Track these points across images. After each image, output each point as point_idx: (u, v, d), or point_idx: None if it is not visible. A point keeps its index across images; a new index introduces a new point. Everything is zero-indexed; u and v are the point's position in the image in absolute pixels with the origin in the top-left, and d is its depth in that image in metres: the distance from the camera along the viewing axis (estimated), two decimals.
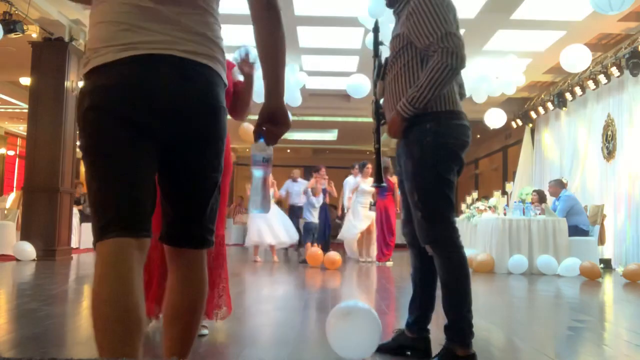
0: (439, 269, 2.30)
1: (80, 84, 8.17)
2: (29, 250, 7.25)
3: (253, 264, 8.04)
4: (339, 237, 8.79)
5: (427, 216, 2.28)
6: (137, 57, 1.36)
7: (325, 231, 9.58)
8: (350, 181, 9.23)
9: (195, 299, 1.50)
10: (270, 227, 8.41)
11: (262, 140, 1.52)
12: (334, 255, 7.33)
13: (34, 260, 7.25)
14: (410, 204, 2.37)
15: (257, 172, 1.56)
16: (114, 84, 1.35)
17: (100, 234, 1.32)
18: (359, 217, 8.64)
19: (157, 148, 1.39)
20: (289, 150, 19.87)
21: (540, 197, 8.28)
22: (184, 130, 1.40)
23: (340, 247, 9.60)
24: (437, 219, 2.28)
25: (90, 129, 1.37)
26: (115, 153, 1.35)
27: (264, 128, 1.51)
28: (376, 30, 2.66)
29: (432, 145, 2.25)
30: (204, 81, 1.42)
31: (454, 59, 2.14)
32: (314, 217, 8.85)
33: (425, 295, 2.51)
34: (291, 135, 17.17)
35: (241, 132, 9.68)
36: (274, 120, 1.50)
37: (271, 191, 8.51)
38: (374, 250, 8.63)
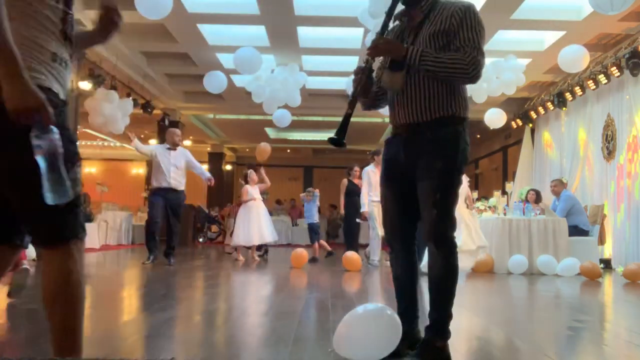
0: (440, 267, 2.33)
1: (81, 84, 8.20)
2: (29, 250, 7.24)
3: (239, 263, 8.05)
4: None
5: (443, 215, 2.31)
6: None
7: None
8: (370, 173, 7.88)
9: (51, 293, 1.65)
10: (255, 228, 8.42)
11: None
12: (352, 255, 7.22)
13: (34, 260, 7.24)
14: (422, 202, 2.35)
15: (41, 161, 1.54)
16: None
17: None
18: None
19: None
20: (289, 150, 19.87)
21: (537, 196, 8.28)
22: None
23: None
24: (449, 218, 2.34)
25: None
26: None
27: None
28: None
29: (462, 149, 2.33)
30: None
31: (475, 72, 2.24)
32: (315, 217, 8.90)
33: (414, 297, 2.53)
34: (291, 135, 17.17)
35: (257, 152, 9.30)
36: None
37: (256, 190, 8.55)
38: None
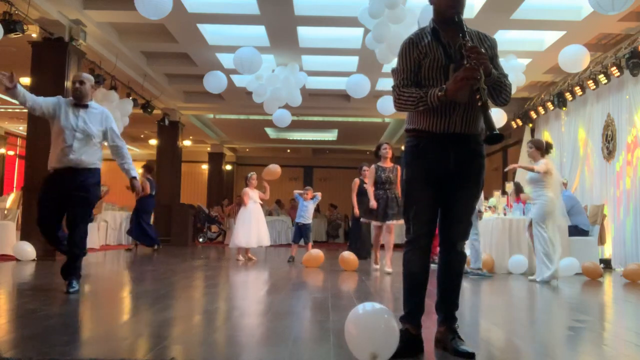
0: (460, 263, 2.66)
1: None
2: (29, 250, 7.25)
3: (238, 264, 8.04)
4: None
5: (470, 218, 2.69)
6: None
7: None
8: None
9: None
10: (255, 230, 8.56)
11: None
12: (348, 255, 7.20)
13: (34, 260, 7.25)
14: (460, 207, 2.60)
15: None
16: None
17: None
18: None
19: None
20: (289, 150, 19.85)
21: (517, 189, 8.26)
22: None
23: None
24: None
25: None
26: None
27: None
28: None
29: None
30: None
31: (510, 96, 2.64)
32: (310, 218, 8.93)
33: (424, 295, 2.65)
34: (291, 135, 17.16)
35: (265, 174, 9.10)
36: None
37: (255, 193, 8.65)
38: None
